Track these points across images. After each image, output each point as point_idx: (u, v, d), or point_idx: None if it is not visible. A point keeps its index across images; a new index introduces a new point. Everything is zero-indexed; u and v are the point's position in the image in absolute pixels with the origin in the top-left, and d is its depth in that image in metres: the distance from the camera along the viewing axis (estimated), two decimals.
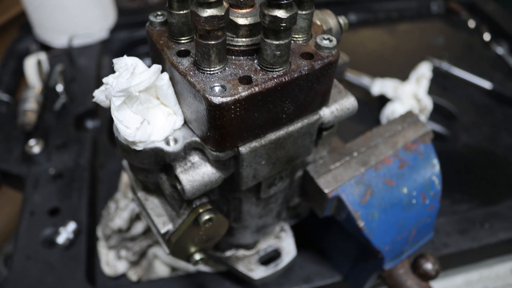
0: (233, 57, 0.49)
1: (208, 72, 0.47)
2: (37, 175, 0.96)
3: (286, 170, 0.62)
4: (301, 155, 0.59)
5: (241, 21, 0.48)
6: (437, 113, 1.23)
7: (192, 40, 0.51)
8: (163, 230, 0.60)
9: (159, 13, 0.54)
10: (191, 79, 0.46)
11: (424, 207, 0.69)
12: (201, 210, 0.56)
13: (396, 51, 1.50)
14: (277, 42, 0.45)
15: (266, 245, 0.78)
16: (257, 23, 0.48)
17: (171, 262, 0.84)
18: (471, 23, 1.61)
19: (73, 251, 0.83)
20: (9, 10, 1.58)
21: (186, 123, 0.53)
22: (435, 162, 0.70)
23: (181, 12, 0.48)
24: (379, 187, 0.65)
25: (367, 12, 1.64)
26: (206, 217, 0.56)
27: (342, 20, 0.61)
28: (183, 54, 0.49)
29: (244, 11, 0.49)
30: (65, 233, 0.83)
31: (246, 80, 0.47)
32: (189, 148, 0.52)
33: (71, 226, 0.85)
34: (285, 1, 0.41)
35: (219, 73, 0.47)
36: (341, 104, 0.58)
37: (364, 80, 1.25)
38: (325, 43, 0.51)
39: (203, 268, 0.82)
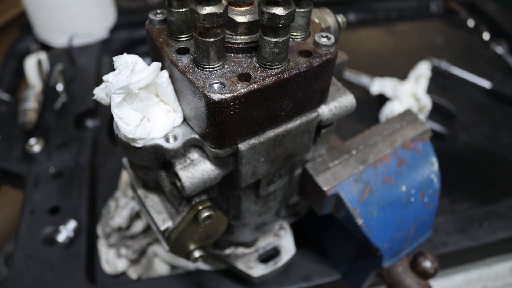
0: (232, 54, 0.49)
1: (207, 69, 0.47)
2: (37, 174, 0.96)
3: (285, 167, 0.63)
4: (300, 153, 0.60)
5: (240, 18, 0.48)
6: (437, 113, 1.23)
7: (192, 38, 0.51)
8: (163, 227, 0.60)
9: (158, 11, 0.54)
10: (191, 76, 0.47)
11: (422, 205, 0.69)
12: (200, 207, 0.56)
13: (395, 50, 1.50)
14: (275, 40, 0.45)
15: (265, 243, 0.78)
16: (255, 21, 0.48)
17: (171, 260, 0.84)
18: (471, 23, 1.61)
19: (73, 249, 0.83)
20: (9, 10, 1.59)
21: (185, 120, 0.53)
22: (434, 160, 0.70)
23: (181, 10, 0.49)
24: (377, 185, 0.65)
25: (366, 12, 1.65)
26: (206, 214, 0.56)
27: (340, 18, 0.62)
28: (183, 51, 0.50)
29: (242, 9, 0.49)
30: (65, 232, 0.84)
31: (245, 77, 0.47)
32: (189, 145, 0.53)
33: (71, 224, 0.85)
34: None
35: (218, 70, 0.47)
36: (340, 102, 0.59)
37: (363, 79, 1.25)
38: (323, 41, 0.51)
39: (202, 266, 0.82)
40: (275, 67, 0.48)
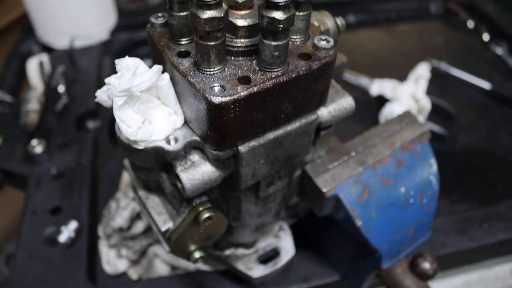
0: (232, 57, 0.50)
1: (208, 72, 0.47)
2: (39, 175, 0.97)
3: (285, 169, 0.63)
4: (299, 155, 0.60)
5: (240, 22, 0.49)
6: (436, 114, 1.23)
7: (192, 41, 0.52)
8: (163, 228, 0.61)
9: (159, 14, 0.55)
10: (191, 79, 0.47)
11: (421, 207, 0.69)
12: (201, 209, 0.57)
13: (394, 51, 1.51)
14: (275, 43, 0.45)
15: (265, 244, 0.78)
16: (255, 24, 0.49)
17: (171, 261, 0.84)
18: (470, 24, 1.61)
19: (75, 249, 0.84)
20: (11, 12, 1.60)
21: (186, 122, 0.54)
22: (433, 161, 0.71)
23: (182, 13, 0.49)
24: (376, 187, 0.65)
25: (366, 13, 1.65)
26: (206, 215, 0.57)
27: (340, 21, 0.62)
28: (184, 55, 0.50)
29: (243, 12, 0.49)
30: (67, 232, 0.84)
31: (245, 80, 0.47)
32: (189, 147, 0.53)
33: (73, 225, 0.86)
34: (283, 3, 0.42)
35: (218, 73, 0.48)
36: (339, 104, 0.59)
37: (362, 80, 1.26)
38: (323, 43, 0.51)
39: (202, 267, 0.82)
40: (274, 70, 0.48)
